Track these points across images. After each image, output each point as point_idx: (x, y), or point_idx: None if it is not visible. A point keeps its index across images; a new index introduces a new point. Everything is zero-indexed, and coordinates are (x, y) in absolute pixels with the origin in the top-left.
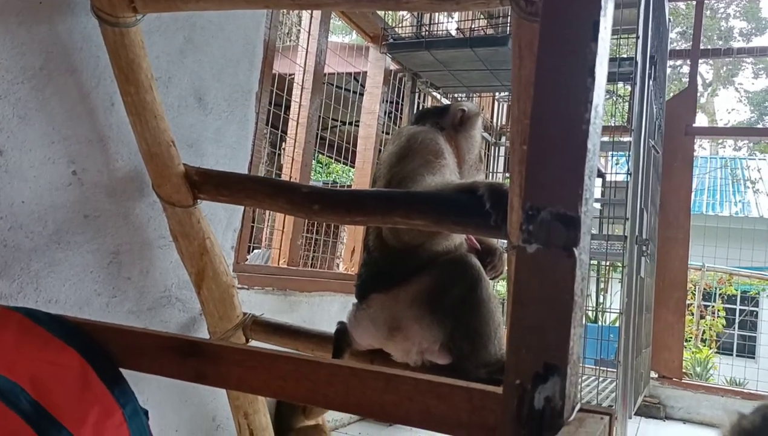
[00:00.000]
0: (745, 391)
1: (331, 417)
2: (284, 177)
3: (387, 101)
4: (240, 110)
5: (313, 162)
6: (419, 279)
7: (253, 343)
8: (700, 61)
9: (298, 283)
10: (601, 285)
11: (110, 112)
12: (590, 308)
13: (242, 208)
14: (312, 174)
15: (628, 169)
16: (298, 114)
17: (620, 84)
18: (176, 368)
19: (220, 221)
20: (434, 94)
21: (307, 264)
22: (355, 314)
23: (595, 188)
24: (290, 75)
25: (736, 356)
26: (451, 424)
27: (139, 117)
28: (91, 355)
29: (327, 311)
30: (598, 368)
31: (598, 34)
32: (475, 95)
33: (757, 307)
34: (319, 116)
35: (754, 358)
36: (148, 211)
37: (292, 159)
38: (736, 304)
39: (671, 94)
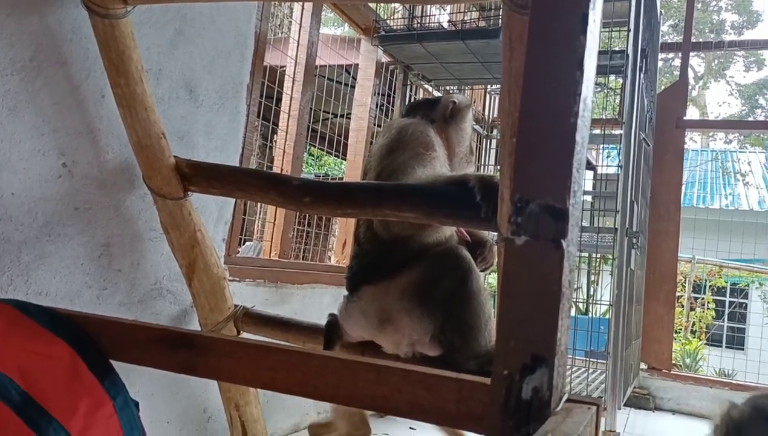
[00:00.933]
0: (734, 382)
1: (322, 408)
2: (275, 169)
3: (379, 94)
4: (231, 102)
5: (305, 155)
6: (410, 271)
7: (244, 335)
8: (692, 54)
9: (290, 275)
10: (592, 277)
11: (100, 104)
12: (581, 300)
13: (233, 200)
14: (304, 167)
15: (619, 162)
16: (290, 106)
17: (612, 77)
18: (166, 359)
19: (211, 213)
20: (426, 86)
21: (299, 256)
22: (346, 306)
23: (584, 181)
24: (281, 67)
25: (726, 347)
26: (440, 415)
27: (129, 109)
28: (82, 347)
29: (318, 303)
30: (588, 359)
31: (587, 26)
32: (467, 88)
33: (747, 299)
34: (311, 109)
35: (743, 349)
36: (139, 203)
37: (284, 151)
38: (725, 296)
39: (663, 87)
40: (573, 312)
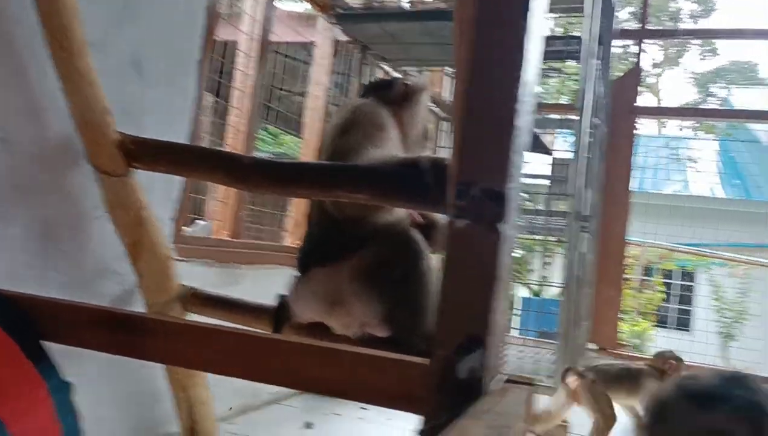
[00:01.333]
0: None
1: (273, 390)
2: (228, 148)
3: (337, 73)
4: (181, 78)
5: (264, 133)
6: (361, 253)
7: (192, 316)
8: (650, 41)
9: (241, 255)
10: (547, 260)
11: (42, 79)
12: (536, 283)
13: (182, 178)
14: (261, 145)
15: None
16: (243, 83)
17: (572, 63)
18: (105, 341)
19: (159, 191)
20: (385, 67)
21: (256, 237)
22: (296, 287)
23: (524, 165)
24: (235, 43)
25: (674, 328)
26: (383, 395)
27: (72, 84)
28: (15, 328)
29: (271, 284)
30: (539, 339)
31: (530, 12)
32: (426, 70)
33: (694, 282)
34: (270, 86)
35: (689, 331)
36: (83, 181)
37: (236, 130)
38: (674, 279)
39: (619, 74)
40: (527, 294)
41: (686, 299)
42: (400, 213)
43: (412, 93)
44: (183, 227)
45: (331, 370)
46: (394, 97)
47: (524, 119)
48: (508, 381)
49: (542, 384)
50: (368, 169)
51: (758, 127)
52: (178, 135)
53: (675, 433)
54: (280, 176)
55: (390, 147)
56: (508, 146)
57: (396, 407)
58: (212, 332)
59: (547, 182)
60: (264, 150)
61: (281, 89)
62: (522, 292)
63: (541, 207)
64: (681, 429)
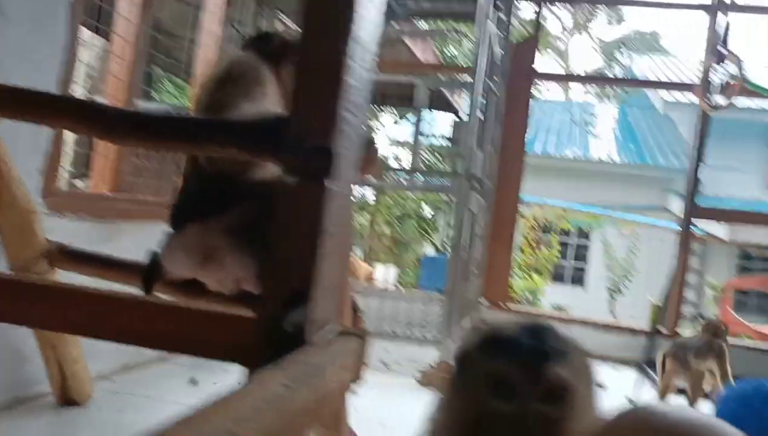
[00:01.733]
0: (565, 316)
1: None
2: (108, 97)
3: (232, 22)
4: (48, 21)
5: (168, 84)
6: (235, 209)
7: (63, 274)
8: (560, 6)
9: (119, 211)
10: (450, 219)
11: None
12: (440, 241)
13: (51, 129)
14: (168, 98)
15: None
16: (125, 30)
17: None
18: None
19: (23, 141)
20: (282, 18)
21: (153, 193)
22: (168, 243)
23: (359, 123)
24: None
25: (569, 284)
26: (214, 349)
27: None
28: None
29: (152, 240)
30: (429, 293)
31: None
32: None
33: (589, 241)
34: (158, 33)
35: (583, 286)
36: None
37: (117, 79)
38: (571, 238)
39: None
40: (433, 252)
41: (582, 256)
42: (276, 170)
43: (291, 48)
44: (73, 181)
45: (161, 325)
46: (273, 51)
47: (359, 76)
48: (342, 333)
49: (427, 338)
50: (238, 124)
51: (655, 96)
52: (45, 82)
53: (468, 380)
54: (148, 129)
55: (267, 102)
56: (339, 103)
57: (226, 360)
58: (38, 288)
59: (447, 143)
60: (168, 102)
61: (172, 35)
62: (429, 250)
63: (445, 167)
64: (472, 377)
